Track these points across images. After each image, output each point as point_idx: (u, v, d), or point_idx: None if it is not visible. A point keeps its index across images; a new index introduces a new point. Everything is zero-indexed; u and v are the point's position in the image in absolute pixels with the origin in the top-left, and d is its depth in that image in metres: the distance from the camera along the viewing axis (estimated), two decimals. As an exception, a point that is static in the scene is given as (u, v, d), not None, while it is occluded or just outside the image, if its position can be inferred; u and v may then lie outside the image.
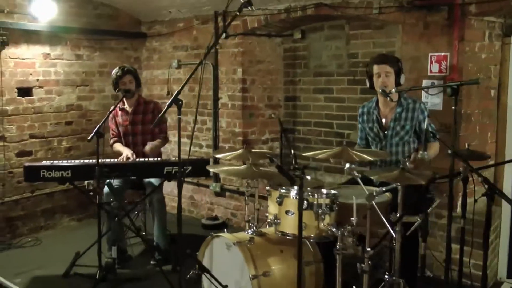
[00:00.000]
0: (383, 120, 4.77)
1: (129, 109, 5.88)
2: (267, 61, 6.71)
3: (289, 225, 4.03)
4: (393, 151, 4.71)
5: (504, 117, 5.57)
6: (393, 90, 4.45)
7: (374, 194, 3.76)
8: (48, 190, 6.62)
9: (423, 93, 5.31)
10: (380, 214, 3.78)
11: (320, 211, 3.93)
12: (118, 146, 5.88)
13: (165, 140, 6.03)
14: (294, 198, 4.00)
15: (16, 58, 6.32)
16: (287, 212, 4.03)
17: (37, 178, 5.32)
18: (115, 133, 5.98)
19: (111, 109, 5.27)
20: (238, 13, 4.21)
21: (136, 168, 5.42)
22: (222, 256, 4.33)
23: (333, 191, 4.11)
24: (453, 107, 3.91)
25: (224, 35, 6.39)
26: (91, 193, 5.27)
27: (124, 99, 5.83)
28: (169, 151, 7.45)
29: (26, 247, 6.22)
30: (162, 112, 4.17)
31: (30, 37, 6.43)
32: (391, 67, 4.59)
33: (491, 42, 5.35)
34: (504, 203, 5.56)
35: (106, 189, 5.53)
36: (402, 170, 3.89)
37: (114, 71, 5.78)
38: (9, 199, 6.38)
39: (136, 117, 5.86)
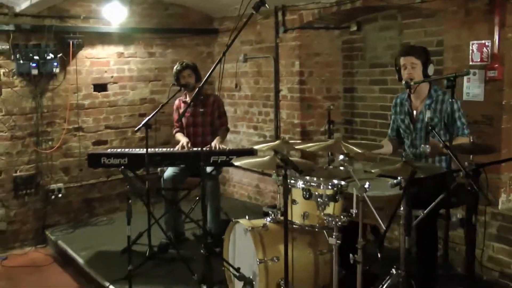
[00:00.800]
0: (414, 112, 4.68)
1: (188, 102, 6.21)
2: (325, 53, 6.71)
3: (294, 214, 4.14)
4: (418, 144, 4.57)
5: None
6: (405, 82, 4.38)
7: (366, 186, 3.80)
8: (122, 176, 7.13)
9: (465, 83, 5.14)
10: (373, 209, 3.78)
11: (320, 201, 4.03)
12: (178, 136, 6.22)
13: (226, 131, 6.32)
14: (299, 187, 4.14)
15: (92, 58, 6.93)
16: (293, 201, 4.16)
17: (99, 164, 5.84)
18: (177, 125, 6.34)
19: (163, 103, 5.65)
20: (254, 12, 4.40)
21: (184, 157, 5.78)
22: (241, 241, 4.52)
23: (342, 182, 4.16)
24: (451, 99, 3.81)
25: (282, 29, 6.60)
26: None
27: (186, 93, 6.23)
28: (238, 141, 7.75)
29: (99, 225, 6.89)
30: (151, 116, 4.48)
31: (105, 38, 7.00)
32: (417, 59, 4.45)
33: (539, 27, 5.03)
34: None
35: (166, 175, 5.97)
36: (404, 163, 3.86)
37: (175, 67, 6.18)
38: (86, 182, 7.05)
39: (196, 109, 6.13)
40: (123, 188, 7.14)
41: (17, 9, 6.27)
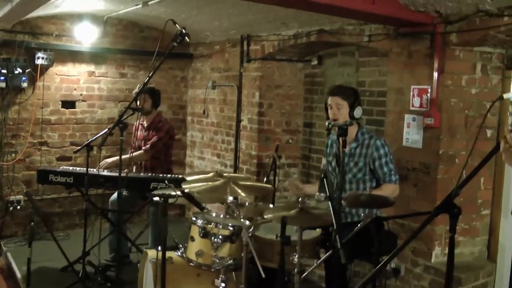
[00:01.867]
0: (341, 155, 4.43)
1: (145, 125, 6.14)
2: (286, 85, 6.48)
3: (190, 251, 3.94)
4: (347, 188, 4.28)
5: (502, 161, 4.87)
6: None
7: (248, 229, 3.60)
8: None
9: (405, 128, 4.86)
10: (254, 253, 3.60)
11: (215, 240, 3.84)
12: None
13: (145, 152, 6.04)
14: (197, 225, 3.96)
15: (62, 75, 6.91)
16: (191, 238, 3.98)
17: (46, 181, 5.72)
18: (133, 145, 6.24)
19: (110, 127, 5.52)
20: (175, 44, 4.30)
21: (126, 181, 5.67)
22: (148, 271, 4.34)
23: (245, 223, 3.96)
24: (343, 149, 3.55)
25: (245, 59, 6.47)
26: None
27: (144, 116, 6.12)
28: (203, 167, 7.56)
29: (53, 241, 6.74)
30: (105, 131, 4.38)
31: (76, 56, 6.97)
32: (343, 100, 4.18)
33: (486, 75, 4.68)
34: (500, 258, 4.87)
35: (112, 197, 5.87)
36: (301, 210, 3.66)
37: (135, 89, 6.11)
38: (47, 196, 6.97)
39: (148, 134, 6.05)
40: (83, 205, 7.03)
41: (-10, 24, 6.32)
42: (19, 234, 6.80)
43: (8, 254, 6.18)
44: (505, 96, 2.45)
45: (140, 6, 5.90)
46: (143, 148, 6.03)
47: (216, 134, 7.25)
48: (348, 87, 4.42)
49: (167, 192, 3.78)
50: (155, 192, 3.87)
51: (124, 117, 5.66)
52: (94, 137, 5.35)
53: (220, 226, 3.80)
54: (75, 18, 6.85)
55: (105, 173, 5.71)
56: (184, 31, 4.33)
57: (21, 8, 5.17)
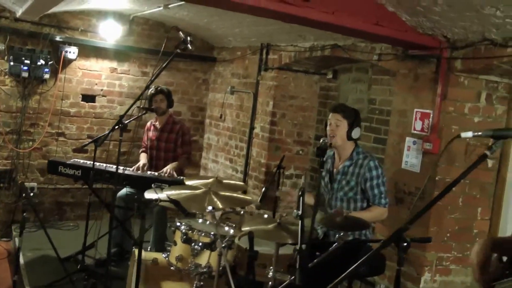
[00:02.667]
0: (334, 171, 4.50)
1: (158, 126, 6.30)
2: (301, 97, 6.56)
3: (172, 255, 4.07)
4: (338, 206, 4.34)
5: (501, 193, 4.83)
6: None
7: (224, 238, 3.71)
8: (99, 186, 7.30)
9: (405, 151, 4.88)
10: (227, 265, 3.69)
11: (195, 247, 3.96)
12: (141, 157, 6.31)
13: (186, 160, 6.31)
14: (180, 230, 4.08)
15: (84, 69, 7.16)
16: (174, 242, 4.10)
17: (56, 172, 5.94)
18: (144, 145, 6.45)
19: (120, 124, 5.70)
20: (178, 50, 4.44)
21: (131, 178, 5.83)
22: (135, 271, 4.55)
23: (230, 231, 4.08)
24: (321, 169, 3.61)
25: (263, 67, 6.59)
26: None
27: (157, 116, 6.33)
28: (216, 171, 7.69)
29: (64, 229, 7.01)
30: (106, 134, 4.60)
31: (100, 52, 7.21)
32: (343, 118, 4.23)
33: (490, 104, 4.66)
34: None
35: (119, 193, 6.06)
36: (278, 225, 3.74)
37: (149, 89, 6.28)
38: (61, 186, 7.22)
39: (162, 134, 6.22)
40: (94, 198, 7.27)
41: (18, 15, 6.58)
42: (30, 220, 7.06)
43: (16, 240, 6.46)
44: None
45: (161, 8, 6.10)
46: (185, 156, 6.26)
47: (230, 139, 7.38)
48: (350, 107, 4.46)
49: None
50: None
51: (138, 115, 5.92)
52: (104, 134, 5.49)
53: (203, 234, 3.93)
54: (102, 15, 7.08)
55: (111, 169, 5.90)
56: (189, 39, 4.46)
57: (42, 2, 5.39)
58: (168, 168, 5.95)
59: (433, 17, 4.16)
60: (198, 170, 8.13)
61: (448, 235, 4.68)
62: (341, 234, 3.59)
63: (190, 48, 4.37)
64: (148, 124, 6.44)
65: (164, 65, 4.61)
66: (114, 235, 5.98)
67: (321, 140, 3.81)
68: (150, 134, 6.35)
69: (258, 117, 6.76)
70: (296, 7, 3.70)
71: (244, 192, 6.74)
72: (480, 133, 2.39)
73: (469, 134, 2.43)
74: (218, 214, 4.19)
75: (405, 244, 2.48)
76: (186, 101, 7.90)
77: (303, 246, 3.22)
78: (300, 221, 3.35)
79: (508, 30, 3.90)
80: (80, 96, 7.23)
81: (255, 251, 3.50)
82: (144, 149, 6.41)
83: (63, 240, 6.45)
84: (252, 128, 6.77)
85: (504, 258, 2.30)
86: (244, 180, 6.82)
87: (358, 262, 2.46)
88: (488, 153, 2.34)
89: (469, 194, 4.72)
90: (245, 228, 3.76)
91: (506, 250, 2.27)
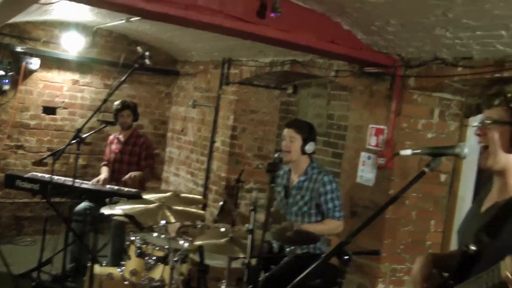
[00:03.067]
0: (290, 186, 4.55)
1: (122, 139, 6.30)
2: (261, 111, 6.66)
3: (126, 269, 4.07)
4: (292, 220, 4.39)
5: (454, 206, 4.98)
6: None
7: (176, 252, 3.74)
8: (57, 199, 7.24)
9: (360, 165, 5.00)
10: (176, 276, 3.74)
11: (149, 261, 3.98)
12: (102, 170, 6.34)
13: (150, 173, 6.37)
14: (134, 244, 4.10)
15: (46, 81, 7.11)
16: (128, 256, 4.11)
17: (13, 186, 5.86)
18: (106, 158, 6.44)
19: (79, 137, 5.67)
20: (136, 65, 4.49)
21: (89, 192, 5.79)
22: (91, 285, 4.56)
23: (184, 245, 4.12)
24: (271, 184, 3.66)
25: (224, 81, 6.68)
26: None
27: (121, 130, 6.34)
28: (177, 184, 7.72)
29: (21, 245, 6.87)
30: (64, 147, 4.61)
31: (62, 64, 7.17)
32: (297, 133, 4.30)
33: (443, 121, 4.82)
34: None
35: (78, 207, 6.02)
36: (230, 239, 3.78)
37: (115, 103, 6.31)
38: (19, 200, 7.11)
39: (126, 147, 6.24)
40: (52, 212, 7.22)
41: (-22, 25, 6.56)
42: (-14, 234, 7.00)
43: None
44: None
45: (124, 21, 6.13)
46: (148, 168, 6.28)
47: (191, 153, 7.43)
48: (305, 122, 4.56)
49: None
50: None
51: (98, 129, 5.92)
52: (62, 147, 5.46)
53: (157, 248, 3.96)
54: (65, 26, 7.07)
55: (70, 182, 5.88)
56: (146, 54, 4.50)
57: (2, 12, 5.36)
58: (131, 173, 5.99)
59: (387, 36, 4.30)
60: (160, 183, 8.14)
61: (401, 247, 4.80)
62: (292, 248, 3.66)
63: (148, 63, 4.42)
64: (111, 137, 6.45)
65: (122, 80, 4.65)
66: (72, 250, 5.93)
67: (275, 155, 3.91)
68: (113, 147, 6.35)
69: (219, 131, 6.83)
70: (252, 25, 3.79)
71: (205, 206, 6.81)
72: (418, 151, 2.48)
73: (408, 152, 2.52)
74: (175, 228, 4.24)
75: (347, 257, 2.54)
76: (148, 114, 7.91)
77: (252, 260, 3.31)
78: (250, 235, 3.43)
79: (458, 51, 4.05)
80: (41, 108, 7.18)
81: (205, 265, 3.57)
82: (106, 162, 6.41)
83: (21, 255, 6.36)
84: (212, 142, 6.84)
85: (446, 274, 2.38)
86: (205, 194, 6.87)
87: (302, 274, 2.52)
88: (426, 170, 2.41)
89: (423, 207, 4.85)
90: (198, 242, 3.82)
91: (447, 266, 2.35)
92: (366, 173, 4.89)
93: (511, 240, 1.97)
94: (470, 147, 2.37)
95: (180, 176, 7.62)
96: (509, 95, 2.12)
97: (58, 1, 4.36)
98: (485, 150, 2.19)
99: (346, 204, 4.91)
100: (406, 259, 4.85)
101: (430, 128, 4.77)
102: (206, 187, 6.86)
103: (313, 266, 2.60)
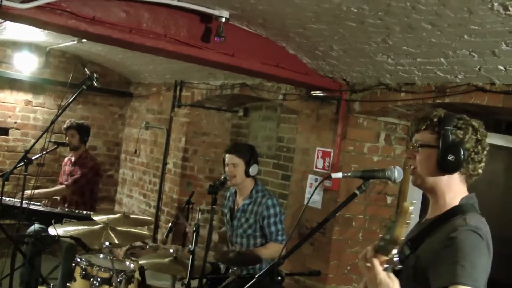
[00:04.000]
0: (235, 209, 4.48)
1: (73, 160, 6.17)
2: (213, 134, 6.57)
3: (71, 291, 3.99)
4: (238, 242, 4.32)
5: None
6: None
7: (119, 273, 3.63)
8: (7, 222, 7.03)
9: (308, 188, 4.95)
10: None
11: (94, 283, 3.86)
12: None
13: (64, 189, 6.10)
14: (79, 265, 3.97)
15: (-3, 101, 6.91)
16: (73, 278, 4.00)
17: (-39, 210, 5.73)
18: (60, 180, 6.29)
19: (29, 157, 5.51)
20: (84, 87, 4.35)
21: (40, 214, 5.62)
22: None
23: (130, 266, 4.01)
24: (212, 206, 3.57)
25: (176, 103, 6.60)
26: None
27: (73, 151, 6.17)
28: (130, 206, 7.55)
29: (-29, 269, 6.65)
30: (12, 169, 4.44)
31: (15, 84, 6.98)
32: (239, 158, 4.24)
33: (389, 144, 4.81)
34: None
35: (30, 228, 5.83)
36: (174, 259, 3.70)
37: (65, 123, 6.16)
38: (-29, 223, 6.88)
39: (74, 169, 6.07)
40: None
41: None
42: None
43: None
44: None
45: (75, 42, 6.00)
46: (65, 183, 6.05)
47: (144, 174, 7.28)
48: (245, 145, 4.55)
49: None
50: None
51: (48, 150, 5.74)
52: (11, 169, 5.28)
53: (101, 269, 3.84)
54: (17, 46, 6.88)
55: (23, 205, 5.68)
56: (94, 75, 4.37)
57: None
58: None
59: (331, 61, 4.28)
60: (113, 205, 7.94)
61: (348, 267, 4.74)
62: (235, 269, 3.60)
63: (96, 84, 4.28)
64: (66, 159, 6.31)
65: (69, 101, 4.55)
66: (22, 273, 5.74)
67: (222, 177, 3.83)
68: (66, 168, 6.20)
69: (171, 153, 6.72)
70: (196, 49, 3.72)
71: (157, 227, 6.67)
72: (349, 174, 2.47)
73: (339, 175, 2.50)
74: (121, 250, 4.12)
75: (279, 278, 2.50)
76: (101, 136, 7.74)
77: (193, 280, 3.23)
78: (191, 256, 3.33)
79: (401, 76, 4.05)
80: (-8, 129, 6.96)
81: (147, 285, 3.48)
82: (59, 184, 6.25)
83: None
84: (165, 163, 6.72)
85: None
86: (157, 215, 6.72)
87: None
88: (357, 192, 2.43)
89: (369, 229, 4.81)
90: (141, 262, 3.72)
91: None
92: (313, 196, 4.82)
93: (424, 255, 2.02)
94: (400, 171, 2.38)
95: (133, 198, 7.45)
96: (435, 119, 2.14)
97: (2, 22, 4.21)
98: (414, 172, 2.21)
99: (293, 226, 4.85)
100: (353, 279, 4.80)
101: (376, 151, 4.76)
102: (158, 208, 6.72)
103: (246, 286, 2.54)
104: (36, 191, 5.86)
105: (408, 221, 1.71)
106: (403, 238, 1.71)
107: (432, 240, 2.04)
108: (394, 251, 1.72)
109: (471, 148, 2.10)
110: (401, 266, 1.77)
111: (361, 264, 1.83)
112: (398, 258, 1.73)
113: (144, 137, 7.31)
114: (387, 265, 1.74)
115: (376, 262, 1.75)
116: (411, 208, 1.71)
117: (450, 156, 2.06)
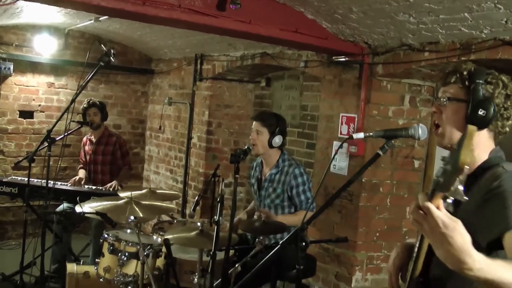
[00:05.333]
0: (262, 179, 4.42)
1: (94, 140, 6.14)
2: (236, 106, 6.49)
3: (100, 266, 3.95)
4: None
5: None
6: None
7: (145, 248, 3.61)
8: (37, 202, 7.09)
9: (333, 155, 4.86)
10: (150, 274, 3.64)
11: (122, 257, 3.84)
12: (79, 173, 6.19)
13: (128, 171, 6.27)
14: (107, 241, 3.96)
15: (20, 85, 6.89)
16: (102, 254, 3.99)
17: (-7, 191, 5.77)
18: (82, 161, 6.29)
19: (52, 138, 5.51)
20: (102, 63, 4.30)
21: (67, 194, 5.65)
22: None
23: (157, 241, 4.00)
24: (236, 175, 3.50)
25: (198, 77, 6.52)
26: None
27: (92, 130, 6.18)
28: (158, 182, 7.57)
29: (4, 249, 6.70)
30: (36, 149, 4.44)
31: (36, 67, 6.97)
32: (263, 126, 4.15)
33: (414, 107, 4.67)
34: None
35: (59, 208, 5.86)
36: (201, 232, 3.66)
37: (83, 103, 6.15)
38: (1, 205, 6.93)
39: (98, 148, 6.08)
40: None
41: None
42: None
43: None
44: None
45: (93, 21, 5.95)
46: (127, 167, 6.20)
47: (170, 150, 7.25)
48: (273, 115, 4.38)
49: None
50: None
51: (71, 130, 5.74)
52: (35, 150, 5.28)
53: (129, 244, 3.82)
54: (36, 29, 6.85)
55: (50, 185, 5.71)
56: (112, 51, 4.31)
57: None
58: (112, 184, 5.83)
59: (351, 24, 4.15)
60: (140, 182, 7.96)
61: (377, 234, 4.67)
62: (260, 238, 3.55)
63: (113, 60, 4.22)
64: (84, 139, 6.30)
65: (87, 80, 4.48)
66: (54, 251, 5.80)
67: (245, 146, 3.77)
68: (86, 148, 6.20)
69: (195, 127, 6.66)
70: (212, 18, 3.62)
71: (185, 201, 6.67)
72: (371, 134, 2.38)
73: (361, 135, 2.42)
74: (149, 225, 4.10)
75: (303, 243, 2.44)
76: (125, 114, 7.73)
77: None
78: (216, 227, 3.29)
79: (424, 36, 3.91)
80: (18, 112, 6.96)
81: (173, 258, 3.47)
82: (82, 165, 6.26)
83: (6, 259, 6.18)
84: (189, 138, 6.68)
85: None
86: (184, 190, 6.71)
87: (262, 261, 2.42)
88: (380, 152, 2.35)
89: (397, 194, 4.72)
90: (167, 236, 3.69)
91: None
92: (339, 162, 4.74)
93: (463, 210, 1.81)
94: (424, 128, 2.28)
95: (160, 174, 7.45)
96: (464, 73, 2.02)
97: (13, 2, 4.16)
98: (436, 128, 2.08)
99: (321, 194, 4.79)
100: (382, 246, 4.73)
101: (401, 114, 4.64)
102: (185, 183, 6.69)
103: (271, 253, 2.50)
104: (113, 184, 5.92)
105: (472, 147, 1.48)
106: (468, 165, 1.42)
107: (469, 200, 1.81)
108: (458, 181, 1.43)
109: (501, 104, 1.97)
110: (467, 198, 1.50)
111: (413, 217, 1.58)
112: (463, 188, 1.45)
113: (168, 113, 7.26)
114: (450, 200, 1.49)
115: (431, 205, 1.49)
116: (476, 131, 1.52)
117: (481, 111, 1.93)
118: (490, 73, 2.02)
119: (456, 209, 1.82)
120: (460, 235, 1.49)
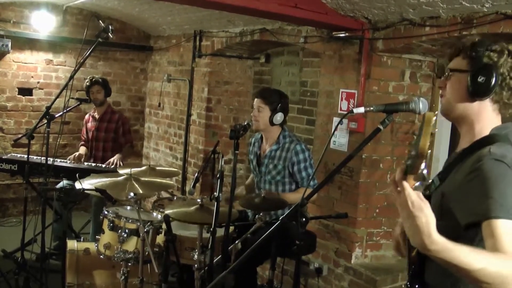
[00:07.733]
0: (262, 155, 4.40)
1: (97, 116, 6.12)
2: (235, 82, 6.42)
3: (100, 243, 3.93)
4: (267, 188, 4.27)
5: (429, 168, 4.82)
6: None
7: (145, 224, 3.59)
8: (37, 179, 7.07)
9: (333, 130, 4.82)
10: (150, 251, 3.64)
11: (122, 234, 3.83)
12: (79, 150, 6.18)
13: (130, 148, 6.28)
14: (107, 218, 3.94)
15: (19, 62, 6.84)
16: (102, 230, 3.97)
17: (-8, 168, 5.73)
18: (83, 138, 6.28)
19: (52, 115, 5.45)
20: (100, 39, 4.25)
21: (67, 171, 5.63)
22: (67, 261, 4.42)
23: (157, 217, 3.98)
24: (235, 151, 3.48)
25: (197, 54, 6.45)
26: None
27: (95, 107, 6.13)
28: (158, 159, 7.55)
29: (6, 226, 6.73)
30: (35, 126, 4.40)
31: (34, 44, 6.90)
32: (265, 104, 4.15)
33: (415, 82, 4.62)
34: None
35: (59, 185, 5.84)
36: (200, 207, 3.65)
37: (85, 81, 6.10)
38: (1, 182, 6.92)
39: (101, 124, 6.07)
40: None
41: None
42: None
43: None
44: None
45: (90, -4, 5.89)
46: (129, 144, 6.22)
47: (169, 127, 7.22)
48: (275, 92, 4.35)
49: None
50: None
51: (70, 107, 5.70)
52: (34, 126, 5.24)
53: (129, 220, 3.81)
54: (34, 6, 6.77)
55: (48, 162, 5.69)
56: (110, 27, 4.26)
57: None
58: (115, 159, 5.81)
59: (351, -2, 4.08)
60: (140, 159, 7.94)
61: (377, 211, 4.65)
62: (260, 215, 3.54)
63: (111, 36, 4.19)
64: (87, 116, 6.28)
65: (86, 55, 4.46)
66: (55, 229, 5.80)
67: (245, 122, 3.73)
68: (89, 125, 6.19)
69: (194, 104, 6.61)
70: (210, -8, 3.57)
71: (185, 178, 6.65)
72: (371, 108, 2.36)
73: (361, 109, 2.40)
74: (149, 202, 4.09)
75: (303, 219, 2.42)
76: (125, 91, 7.68)
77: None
78: (216, 203, 3.27)
79: (425, 10, 3.85)
80: (16, 89, 6.92)
81: (172, 234, 3.45)
82: (83, 142, 6.25)
83: (7, 237, 6.19)
84: (189, 115, 6.64)
85: None
86: (184, 167, 6.69)
87: (262, 237, 2.40)
88: (381, 127, 2.37)
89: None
90: (167, 212, 3.67)
91: None
92: (339, 138, 4.71)
93: (449, 191, 1.87)
94: (424, 102, 2.25)
95: (160, 151, 7.42)
96: (468, 44, 1.96)
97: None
98: (443, 102, 2.05)
99: (321, 170, 4.76)
100: (382, 222, 4.71)
101: (401, 90, 4.59)
102: (185, 160, 6.67)
103: (271, 229, 2.48)
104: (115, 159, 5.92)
105: (432, 132, 1.54)
106: (428, 150, 1.50)
107: (456, 175, 1.88)
108: (422, 165, 1.54)
109: (506, 73, 1.89)
110: (431, 181, 1.67)
111: (391, 190, 1.67)
112: (426, 171, 1.55)
113: (167, 90, 7.21)
114: (418, 183, 1.58)
115: (405, 183, 1.57)
116: (434, 118, 1.54)
117: (480, 78, 1.87)
118: (495, 43, 1.95)
119: (444, 179, 1.92)
120: (424, 216, 1.57)
